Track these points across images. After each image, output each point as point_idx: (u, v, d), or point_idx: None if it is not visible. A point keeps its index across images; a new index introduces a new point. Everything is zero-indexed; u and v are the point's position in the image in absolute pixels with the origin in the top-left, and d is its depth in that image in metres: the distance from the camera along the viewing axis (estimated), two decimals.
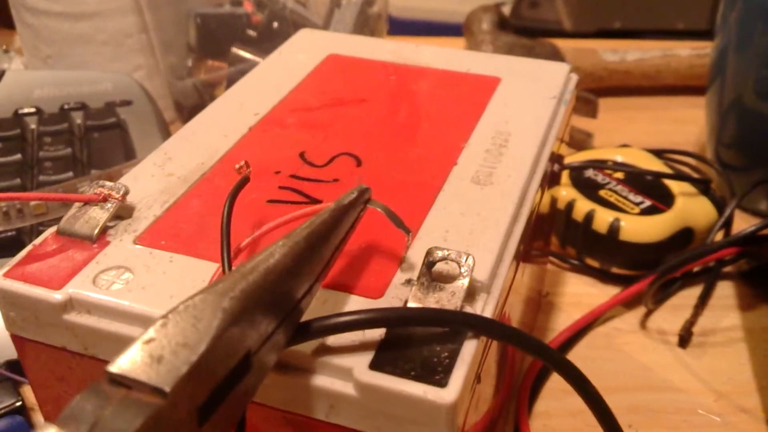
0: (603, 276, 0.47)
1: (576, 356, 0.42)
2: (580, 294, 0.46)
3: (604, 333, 0.43)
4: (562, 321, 0.44)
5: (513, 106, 0.34)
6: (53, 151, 0.48)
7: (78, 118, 0.52)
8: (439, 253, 0.24)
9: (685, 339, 0.42)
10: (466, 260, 0.23)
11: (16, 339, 0.25)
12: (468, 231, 0.26)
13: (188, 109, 0.59)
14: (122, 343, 0.23)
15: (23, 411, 0.35)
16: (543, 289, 0.46)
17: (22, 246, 0.26)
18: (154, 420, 0.15)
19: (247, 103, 0.34)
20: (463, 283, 0.23)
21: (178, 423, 0.16)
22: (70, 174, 0.46)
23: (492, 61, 0.38)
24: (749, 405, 0.39)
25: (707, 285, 0.45)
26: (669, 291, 0.45)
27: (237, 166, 0.26)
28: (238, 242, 0.25)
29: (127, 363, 0.16)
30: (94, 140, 0.50)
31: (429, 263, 0.24)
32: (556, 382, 0.40)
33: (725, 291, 0.46)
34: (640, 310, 0.45)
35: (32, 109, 0.52)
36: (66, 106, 0.53)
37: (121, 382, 0.16)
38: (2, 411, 0.35)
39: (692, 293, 0.45)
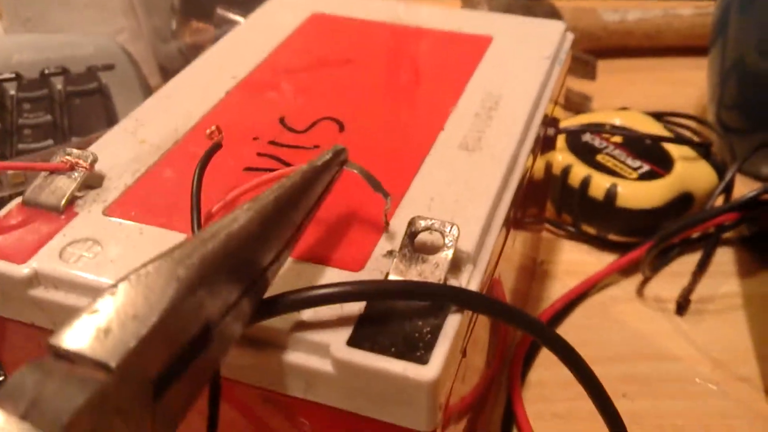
0: (599, 243, 0.46)
1: (571, 325, 0.41)
2: (575, 262, 0.45)
3: (600, 301, 0.42)
4: (558, 289, 0.43)
5: (504, 67, 0.32)
6: (33, 118, 0.47)
7: (58, 83, 0.50)
8: (422, 223, 0.22)
9: (682, 306, 0.41)
10: (450, 230, 0.22)
11: None
12: (454, 199, 0.25)
13: (173, 73, 0.57)
14: None
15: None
16: (538, 257, 0.45)
17: None
18: (100, 397, 0.14)
19: (226, 66, 0.33)
20: (447, 254, 0.22)
21: (128, 398, 0.15)
22: (50, 142, 0.45)
23: (484, 20, 0.36)
24: (747, 373, 0.38)
25: (706, 251, 0.44)
26: (667, 258, 0.44)
27: (208, 131, 0.25)
28: (209, 207, 0.24)
29: (71, 336, 0.15)
30: (75, 106, 0.48)
31: (411, 234, 0.22)
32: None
33: (725, 257, 0.45)
34: (637, 278, 0.43)
35: (11, 75, 0.50)
36: (46, 71, 0.51)
37: (64, 356, 0.14)
38: None
39: (691, 260, 0.44)
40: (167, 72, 0.58)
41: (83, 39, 0.54)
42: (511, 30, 0.35)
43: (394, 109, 0.30)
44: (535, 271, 0.44)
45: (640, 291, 0.43)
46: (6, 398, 0.14)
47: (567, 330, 0.41)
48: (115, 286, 0.16)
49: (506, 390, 0.37)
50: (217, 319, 0.17)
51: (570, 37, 0.36)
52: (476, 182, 0.26)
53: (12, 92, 0.49)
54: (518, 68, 0.32)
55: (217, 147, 0.24)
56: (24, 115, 0.47)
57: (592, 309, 0.42)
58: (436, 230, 0.22)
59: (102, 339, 0.15)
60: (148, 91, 0.53)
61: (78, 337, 0.15)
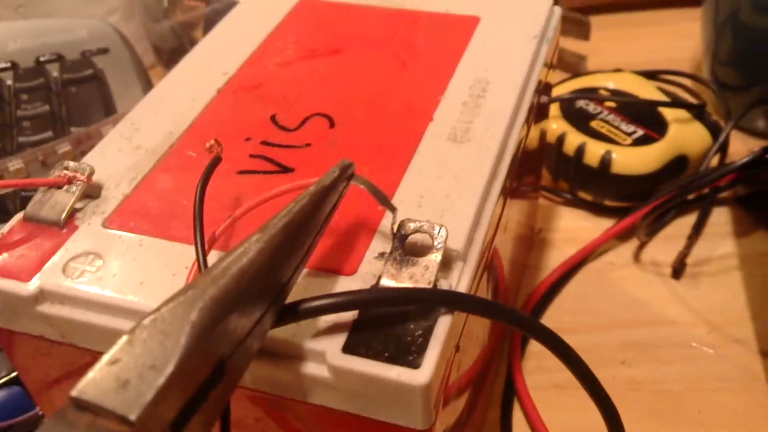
0: (596, 209, 0.46)
1: (569, 293, 0.42)
2: (573, 229, 0.46)
3: (597, 268, 0.43)
4: (556, 257, 0.44)
5: (492, 50, 0.33)
6: (31, 109, 0.47)
7: (54, 71, 0.50)
8: (412, 225, 0.23)
9: (678, 270, 0.42)
10: (438, 232, 0.23)
11: None
12: (444, 195, 0.25)
13: (167, 52, 0.57)
14: (97, 331, 0.23)
15: (21, 381, 0.35)
16: (535, 226, 0.46)
17: (5, 212, 0.25)
18: None
19: (216, 61, 0.33)
20: (437, 256, 0.22)
21: None
22: (50, 134, 0.45)
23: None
24: (742, 335, 0.39)
25: (702, 213, 0.45)
26: (663, 221, 0.45)
27: (207, 145, 0.25)
28: (211, 221, 0.24)
29: (91, 387, 0.16)
30: (72, 95, 0.49)
31: (402, 236, 0.23)
32: (549, 322, 0.39)
33: (721, 218, 0.46)
34: (634, 243, 0.44)
35: (7, 64, 0.51)
36: (42, 59, 0.51)
37: (85, 407, 0.15)
38: (0, 382, 0.35)
39: (687, 222, 0.45)
40: (161, 51, 0.58)
41: (77, 23, 0.54)
42: (498, 8, 0.35)
43: (384, 100, 0.30)
44: (533, 240, 0.45)
45: (636, 256, 0.44)
46: None
47: (565, 299, 0.41)
48: (132, 332, 0.16)
49: (507, 362, 0.38)
50: (230, 353, 0.18)
51: (558, 11, 0.36)
52: (465, 176, 0.26)
53: (9, 82, 0.49)
54: (506, 50, 0.32)
55: (217, 161, 0.25)
56: (22, 107, 0.47)
57: (590, 276, 0.43)
58: (425, 232, 0.23)
59: (121, 391, 0.15)
60: (143, 72, 0.53)
61: (97, 388, 0.15)
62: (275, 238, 0.20)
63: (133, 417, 0.15)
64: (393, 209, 0.24)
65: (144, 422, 0.15)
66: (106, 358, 0.16)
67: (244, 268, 0.19)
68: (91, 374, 0.16)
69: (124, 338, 0.16)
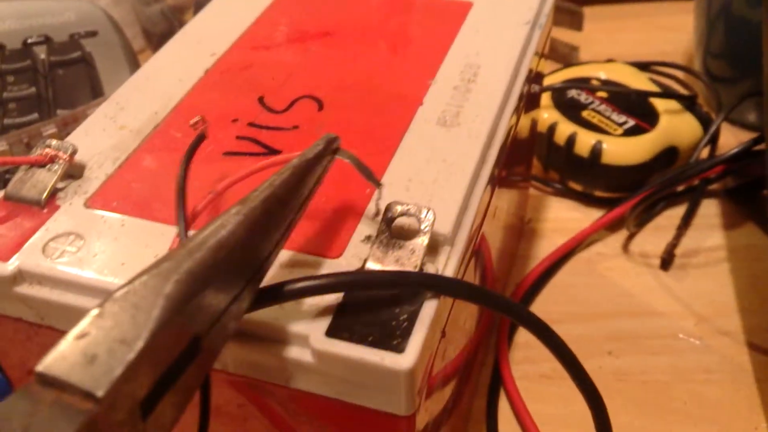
0: (586, 199, 0.46)
1: (558, 284, 0.42)
2: (563, 219, 0.45)
3: (586, 258, 0.43)
4: (545, 247, 0.43)
5: (483, 35, 0.32)
6: (17, 91, 0.47)
7: (41, 53, 0.50)
8: (399, 208, 0.23)
9: (667, 261, 0.42)
10: (426, 215, 0.22)
11: None
12: (432, 179, 0.25)
13: (157, 36, 0.57)
14: (76, 313, 0.22)
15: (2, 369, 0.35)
16: (525, 215, 0.45)
17: None
18: (88, 426, 0.14)
19: (204, 42, 0.32)
20: (423, 240, 0.22)
21: (117, 423, 0.15)
22: (36, 116, 0.45)
23: None
24: (729, 327, 0.39)
25: (691, 204, 0.45)
26: (652, 212, 0.45)
27: (192, 121, 0.25)
28: (194, 202, 0.24)
29: (57, 362, 0.15)
30: (59, 77, 0.48)
31: (388, 219, 0.23)
32: (537, 312, 0.39)
33: (710, 209, 0.46)
34: (624, 234, 0.44)
35: None
36: (29, 41, 0.51)
37: (51, 383, 0.15)
38: None
39: (677, 213, 0.45)
40: (151, 35, 0.58)
41: (65, 5, 0.54)
42: None
43: (374, 84, 0.30)
44: (522, 230, 0.45)
45: (625, 247, 0.43)
46: None
47: (554, 289, 0.41)
48: (101, 305, 0.16)
49: (494, 352, 0.38)
50: (205, 330, 0.17)
51: None
52: (454, 160, 0.26)
53: None
54: (497, 36, 0.32)
55: (201, 139, 0.24)
56: (8, 89, 0.47)
57: (579, 266, 0.43)
58: (412, 215, 0.23)
59: (89, 367, 0.15)
60: (132, 56, 0.52)
61: (64, 363, 0.15)
62: (255, 210, 0.19)
63: (99, 393, 0.14)
64: (378, 184, 0.24)
65: (111, 400, 0.14)
66: (74, 331, 0.15)
67: (222, 241, 0.18)
68: (57, 348, 0.15)
69: (94, 311, 0.16)
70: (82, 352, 0.15)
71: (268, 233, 0.20)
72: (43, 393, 0.15)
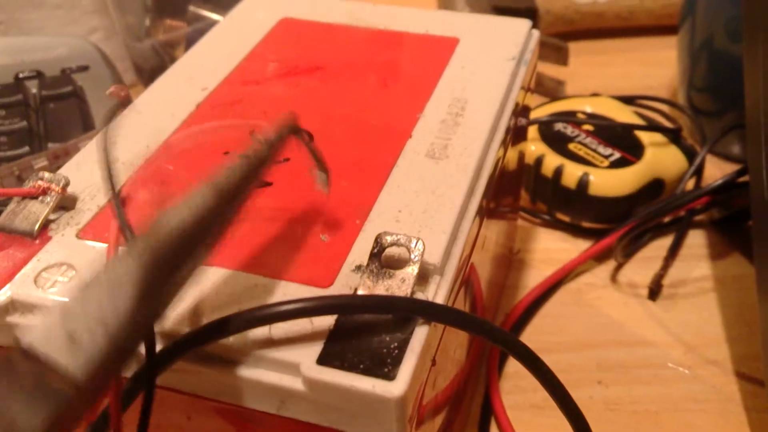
0: (574, 230, 0.47)
1: (547, 313, 0.42)
2: (551, 249, 0.46)
3: (575, 288, 0.43)
4: (534, 277, 0.44)
5: (470, 70, 0.33)
6: (8, 125, 0.47)
7: (33, 87, 0.50)
8: (389, 238, 0.23)
9: (654, 292, 0.42)
10: (415, 245, 0.23)
11: None
12: (422, 210, 0.25)
13: (148, 71, 0.57)
14: None
15: None
16: (514, 246, 0.46)
17: None
18: (67, 406, 0.15)
19: (196, 77, 0.33)
20: (413, 269, 0.22)
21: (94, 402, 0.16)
22: (27, 149, 0.45)
23: (450, 20, 0.37)
24: (718, 356, 0.39)
25: (678, 235, 0.45)
26: (639, 243, 0.45)
27: (108, 91, 0.25)
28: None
29: (40, 338, 0.15)
30: (51, 111, 0.49)
31: (378, 249, 0.23)
32: (527, 342, 0.39)
33: (696, 240, 0.46)
34: (611, 264, 0.44)
35: None
36: (21, 75, 0.51)
37: (33, 358, 0.15)
38: None
39: (663, 243, 0.45)
40: (142, 70, 0.58)
41: (57, 40, 0.54)
42: (477, 30, 0.36)
43: (363, 117, 0.30)
44: (511, 260, 0.45)
45: (613, 277, 0.44)
46: None
47: (543, 319, 0.41)
48: (86, 286, 0.16)
49: (484, 382, 0.38)
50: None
51: (536, 34, 0.36)
52: (443, 192, 0.26)
53: None
54: (484, 71, 0.33)
55: (126, 103, 0.25)
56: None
57: (568, 296, 0.43)
58: (402, 245, 0.23)
59: (69, 346, 0.15)
60: None
61: (47, 340, 0.15)
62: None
63: (80, 374, 0.15)
64: (326, 171, 0.24)
65: (90, 380, 0.15)
66: (59, 310, 0.16)
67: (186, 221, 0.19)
68: (41, 324, 0.16)
69: (76, 290, 0.16)
70: (65, 331, 0.15)
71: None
72: (25, 367, 0.15)
